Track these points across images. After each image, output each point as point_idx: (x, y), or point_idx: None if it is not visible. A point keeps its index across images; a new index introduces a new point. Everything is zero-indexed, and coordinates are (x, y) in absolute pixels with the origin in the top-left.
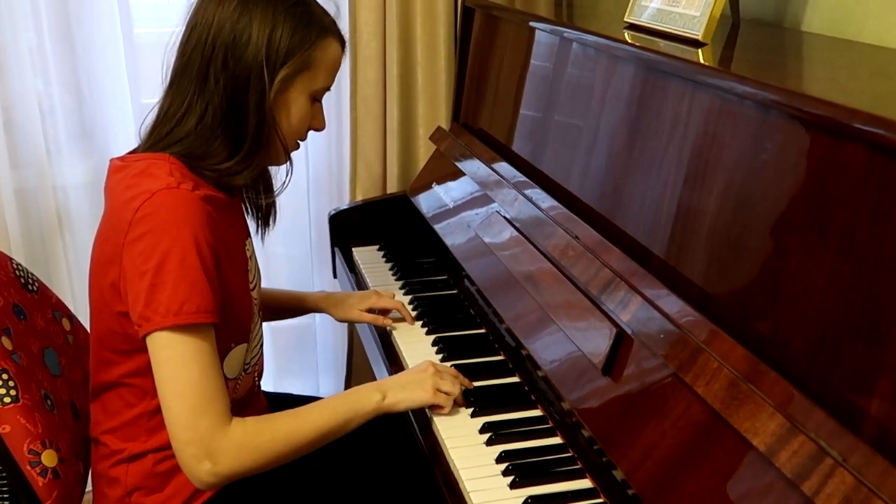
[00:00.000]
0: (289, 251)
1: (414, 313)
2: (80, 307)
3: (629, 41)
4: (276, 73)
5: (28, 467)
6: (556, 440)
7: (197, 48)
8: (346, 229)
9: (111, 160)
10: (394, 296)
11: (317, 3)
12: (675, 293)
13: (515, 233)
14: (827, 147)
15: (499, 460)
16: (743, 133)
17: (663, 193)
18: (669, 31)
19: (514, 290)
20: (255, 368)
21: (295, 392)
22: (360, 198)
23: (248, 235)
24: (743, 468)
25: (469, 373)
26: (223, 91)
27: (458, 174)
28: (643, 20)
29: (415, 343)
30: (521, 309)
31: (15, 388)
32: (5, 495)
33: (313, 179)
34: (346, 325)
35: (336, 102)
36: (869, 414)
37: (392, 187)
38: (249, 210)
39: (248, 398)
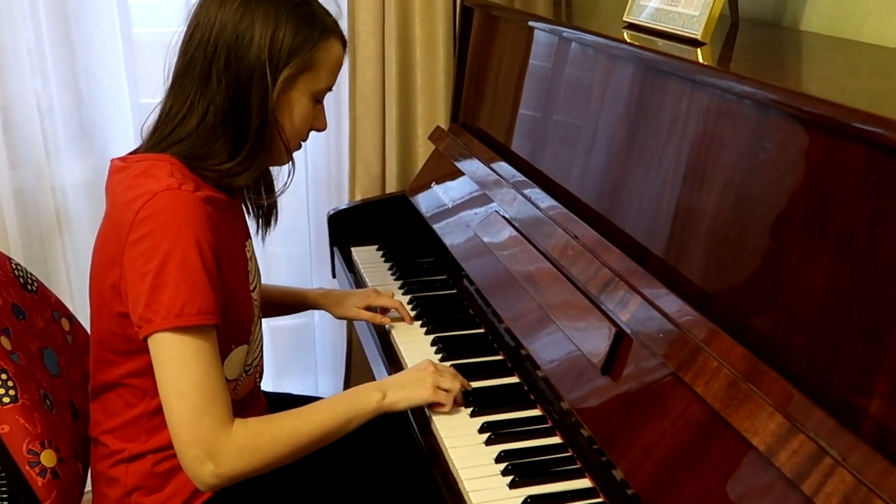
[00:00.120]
0: (288, 251)
1: (413, 313)
2: (79, 307)
3: (628, 41)
4: (278, 73)
5: (27, 467)
6: (556, 440)
7: (199, 48)
8: (345, 229)
9: (112, 160)
10: (393, 295)
11: (319, 3)
12: (675, 293)
13: (514, 232)
14: (826, 146)
15: (498, 460)
16: (742, 132)
17: (662, 193)
18: (668, 30)
19: (513, 290)
20: (255, 369)
21: (294, 392)
22: (359, 197)
23: (249, 236)
24: (742, 468)
25: (468, 372)
26: (225, 91)
27: (457, 174)
28: (642, 20)
29: (414, 343)
30: (520, 309)
31: (14, 388)
32: (4, 495)
33: (312, 179)
34: (344, 325)
35: (335, 102)
36: (868, 413)
37: (391, 187)
38: (250, 210)
39: (248, 399)
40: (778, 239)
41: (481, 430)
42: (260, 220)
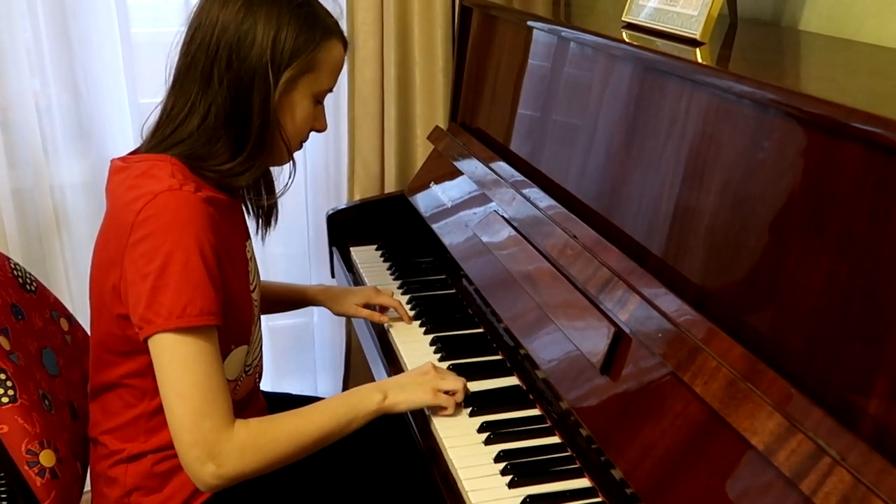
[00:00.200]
0: (287, 251)
1: (412, 313)
2: (78, 307)
3: (627, 40)
4: (280, 74)
5: (26, 467)
6: (555, 439)
7: (201, 49)
8: (344, 229)
9: (112, 160)
10: (392, 294)
11: (320, 4)
12: (673, 292)
13: (513, 232)
14: (825, 146)
15: (497, 459)
16: (741, 132)
17: (661, 193)
18: (667, 30)
19: (512, 290)
20: (255, 370)
21: (293, 392)
22: (357, 197)
23: (249, 237)
24: (741, 467)
25: (467, 372)
26: (227, 92)
27: (456, 174)
28: (641, 19)
29: (413, 343)
30: (519, 308)
31: (13, 388)
32: (3, 495)
33: (311, 179)
34: (343, 325)
35: (334, 102)
36: (867, 413)
37: (390, 187)
38: (250, 211)
39: (247, 399)
40: (777, 238)
41: (480, 429)
42: (260, 221)
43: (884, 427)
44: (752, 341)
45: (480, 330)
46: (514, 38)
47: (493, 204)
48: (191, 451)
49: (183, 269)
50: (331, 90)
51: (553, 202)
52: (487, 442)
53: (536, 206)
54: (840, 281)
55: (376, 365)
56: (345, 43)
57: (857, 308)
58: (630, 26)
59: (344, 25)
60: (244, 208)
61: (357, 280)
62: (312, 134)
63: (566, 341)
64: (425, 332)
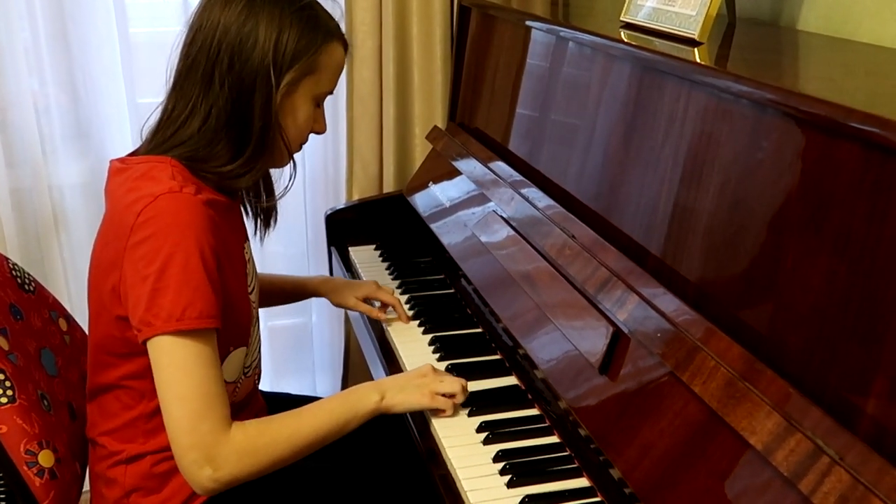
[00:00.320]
0: (285, 250)
1: (411, 312)
2: (77, 307)
3: (625, 40)
4: (282, 76)
5: (25, 468)
6: (553, 439)
7: (202, 50)
8: (343, 229)
9: (111, 161)
10: (393, 291)
11: (322, 7)
12: (672, 292)
13: (512, 232)
14: (823, 146)
15: (496, 459)
16: (739, 132)
17: (660, 192)
18: (666, 30)
19: (510, 290)
20: (254, 371)
21: (292, 392)
22: (356, 197)
23: (247, 238)
24: (740, 467)
25: (466, 372)
26: (228, 94)
27: (454, 173)
28: (639, 19)
29: (412, 342)
30: (517, 308)
31: (12, 388)
32: (2, 496)
33: (310, 179)
34: (342, 325)
35: (332, 102)
36: (865, 412)
37: (388, 187)
38: (249, 212)
39: (246, 400)
40: (775, 238)
41: (479, 429)
42: (259, 222)
43: (882, 426)
44: (751, 341)
45: (479, 330)
46: (512, 38)
47: (491, 204)
48: (188, 455)
49: (183, 271)
50: (331, 92)
51: (552, 202)
52: (486, 442)
53: (535, 206)
54: (838, 280)
55: (375, 365)
56: (346, 45)
57: (856, 307)
58: (628, 26)
59: (343, 25)
60: (243, 209)
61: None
62: (311, 134)
63: (565, 341)
64: (424, 332)
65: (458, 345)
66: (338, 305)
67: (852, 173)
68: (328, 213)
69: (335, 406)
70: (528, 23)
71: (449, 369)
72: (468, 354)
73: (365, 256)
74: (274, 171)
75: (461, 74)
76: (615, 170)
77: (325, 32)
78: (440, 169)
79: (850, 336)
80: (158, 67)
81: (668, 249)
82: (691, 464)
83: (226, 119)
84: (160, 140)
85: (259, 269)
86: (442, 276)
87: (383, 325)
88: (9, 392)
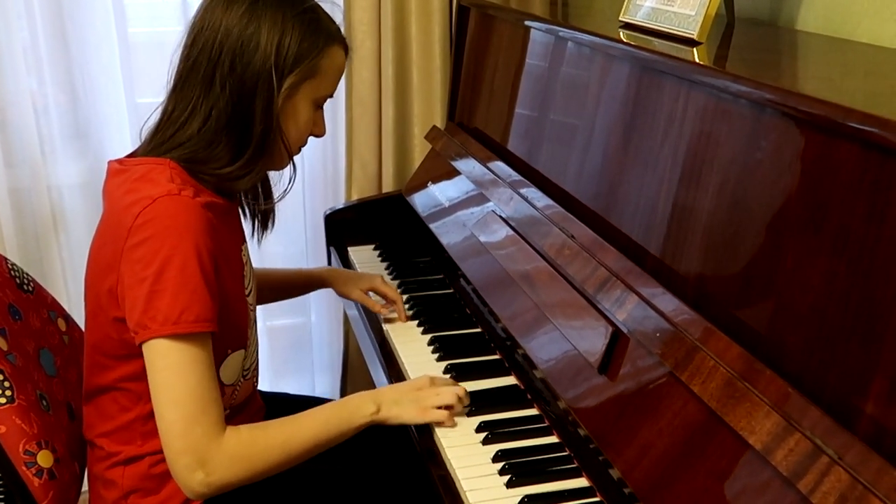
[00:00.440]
0: (284, 251)
1: (410, 312)
2: (76, 307)
3: (624, 40)
4: (283, 79)
5: (24, 468)
6: (553, 439)
7: (203, 52)
8: (342, 229)
9: (109, 162)
10: (396, 288)
11: (323, 10)
12: (671, 292)
13: (511, 232)
14: (822, 146)
15: (495, 459)
16: (738, 132)
17: (659, 192)
18: (664, 30)
19: (510, 290)
20: (253, 373)
21: (291, 391)
22: (355, 197)
23: (244, 240)
24: (739, 467)
25: (465, 372)
26: (229, 96)
27: (453, 173)
28: (638, 19)
29: (411, 343)
30: (517, 308)
31: (10, 388)
32: (1, 496)
33: (309, 179)
34: (342, 325)
35: (331, 102)
36: (864, 412)
37: (387, 186)
38: (246, 214)
39: (245, 402)
40: (774, 238)
41: (478, 429)
42: (257, 224)
43: (881, 426)
44: (750, 341)
45: (478, 330)
46: (511, 38)
47: (490, 203)
48: (180, 459)
49: (180, 274)
50: (332, 96)
51: (551, 202)
52: (485, 442)
53: (534, 206)
54: (837, 280)
55: (374, 365)
56: (346, 49)
57: (855, 307)
58: (627, 26)
59: (342, 27)
60: (241, 211)
61: None
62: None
63: (564, 341)
64: (423, 332)
65: (457, 345)
66: (342, 296)
67: (851, 173)
68: (327, 212)
69: (331, 415)
70: (527, 23)
71: (448, 369)
72: (467, 354)
73: (364, 256)
74: (273, 174)
75: (460, 74)
76: (614, 170)
77: (326, 36)
78: (439, 169)
79: (849, 336)
80: (157, 67)
81: (667, 249)
82: (690, 463)
83: (226, 121)
84: (159, 141)
85: (258, 270)
86: (441, 276)
87: (382, 324)
88: (7, 392)
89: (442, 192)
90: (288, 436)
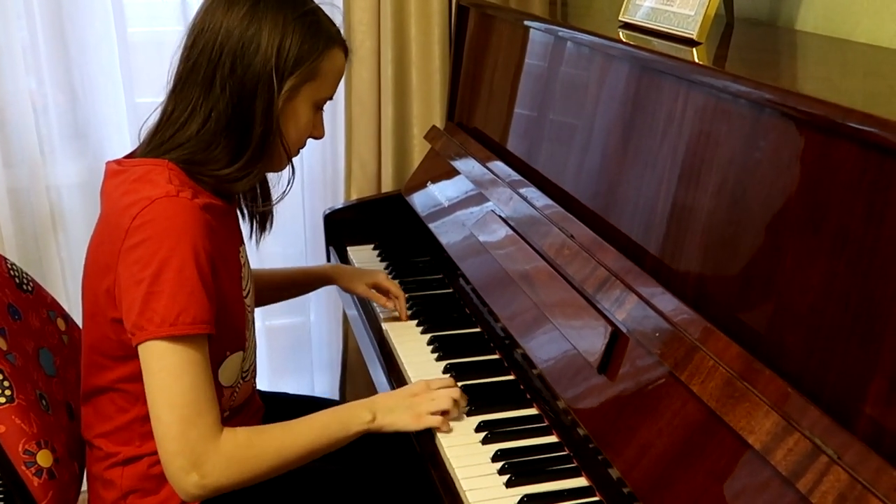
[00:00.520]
0: (283, 251)
1: (409, 312)
2: (75, 307)
3: (624, 40)
4: (283, 81)
5: (23, 467)
6: (552, 439)
7: (203, 53)
8: (341, 228)
9: (107, 163)
10: (398, 285)
11: (324, 12)
12: (671, 291)
13: (510, 231)
14: (821, 146)
15: (494, 459)
16: (737, 132)
17: (658, 192)
18: (664, 30)
19: (509, 289)
20: (251, 375)
21: (290, 391)
22: (354, 197)
23: (242, 242)
24: (738, 466)
25: (464, 371)
26: (229, 98)
27: (452, 173)
28: (637, 19)
29: (410, 342)
30: (516, 308)
31: (10, 388)
32: (0, 496)
33: (308, 179)
34: (341, 324)
35: (331, 102)
36: (864, 412)
37: (387, 186)
38: (245, 215)
39: (244, 402)
40: (773, 238)
41: (477, 429)
42: (255, 225)
43: (880, 426)
44: (749, 340)
45: (478, 329)
46: (510, 38)
47: (489, 203)
48: (175, 461)
49: (178, 276)
50: (331, 98)
51: (550, 202)
52: (485, 441)
53: (533, 206)
54: (837, 280)
55: (373, 365)
56: (347, 51)
57: (854, 307)
58: (627, 26)
59: (342, 28)
60: (239, 213)
61: None
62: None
63: (563, 340)
64: (422, 332)
65: (456, 344)
66: (347, 291)
67: (850, 173)
68: (326, 212)
69: (327, 422)
70: (527, 22)
71: (447, 369)
72: (466, 354)
73: (363, 256)
74: (271, 175)
75: (459, 74)
76: (613, 169)
77: (327, 38)
78: (438, 169)
79: (848, 335)
80: (157, 67)
81: (666, 249)
82: (690, 463)
83: (225, 123)
84: (158, 142)
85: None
86: (440, 276)
87: (382, 324)
88: (7, 392)
89: (441, 191)
90: (284, 441)
